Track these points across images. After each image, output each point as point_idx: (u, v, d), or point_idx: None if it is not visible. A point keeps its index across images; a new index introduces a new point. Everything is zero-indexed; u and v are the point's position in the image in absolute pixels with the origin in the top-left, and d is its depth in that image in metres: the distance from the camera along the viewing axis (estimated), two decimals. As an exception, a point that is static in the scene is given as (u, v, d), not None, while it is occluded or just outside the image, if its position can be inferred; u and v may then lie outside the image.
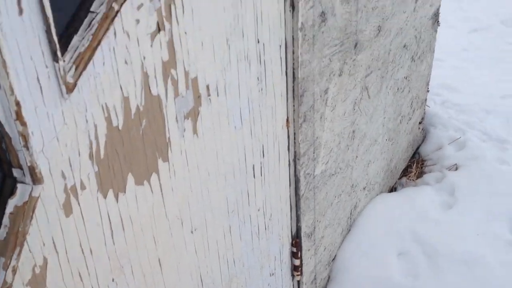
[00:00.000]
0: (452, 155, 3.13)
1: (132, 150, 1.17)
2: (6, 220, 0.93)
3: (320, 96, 1.91)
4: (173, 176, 1.34)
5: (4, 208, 0.94)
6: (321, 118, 1.97)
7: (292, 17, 1.61)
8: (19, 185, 0.94)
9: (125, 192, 1.19)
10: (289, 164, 1.93)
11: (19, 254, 0.94)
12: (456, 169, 3.05)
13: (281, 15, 1.56)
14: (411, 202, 2.86)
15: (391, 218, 2.75)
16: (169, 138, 1.27)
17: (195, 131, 1.36)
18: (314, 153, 2.02)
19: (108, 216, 1.17)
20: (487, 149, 3.10)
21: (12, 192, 0.94)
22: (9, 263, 0.93)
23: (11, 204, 0.94)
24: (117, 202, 1.17)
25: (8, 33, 0.82)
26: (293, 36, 1.65)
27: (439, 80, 3.56)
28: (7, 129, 0.88)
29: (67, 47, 0.95)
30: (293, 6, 1.59)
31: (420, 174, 3.16)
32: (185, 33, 1.21)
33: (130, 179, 1.19)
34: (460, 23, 4.47)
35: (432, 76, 3.42)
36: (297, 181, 1.99)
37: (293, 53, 1.68)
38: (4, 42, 0.81)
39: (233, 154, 1.57)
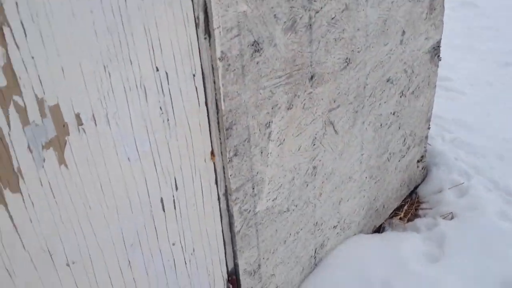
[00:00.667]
0: (451, 202, 2.83)
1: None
2: None
3: (259, 129, 1.76)
4: (31, 207, 1.24)
5: None
6: (262, 152, 1.81)
7: (210, 45, 1.47)
8: None
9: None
10: (219, 199, 1.79)
11: None
12: (452, 218, 2.77)
13: (191, 42, 1.42)
14: (391, 249, 2.62)
15: (363, 263, 2.53)
16: (18, 168, 1.17)
17: (62, 161, 1.25)
18: (253, 188, 1.86)
19: None
20: (490, 200, 2.79)
21: None
22: None
23: None
24: None
25: None
26: (212, 65, 1.50)
27: (454, 115, 3.25)
28: None
29: None
30: (209, 34, 1.45)
31: (412, 217, 2.90)
32: (32, 58, 1.10)
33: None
34: (491, 55, 4.07)
35: (447, 110, 3.15)
36: (230, 216, 1.85)
37: (214, 83, 1.54)
38: None
39: (128, 187, 1.45)
